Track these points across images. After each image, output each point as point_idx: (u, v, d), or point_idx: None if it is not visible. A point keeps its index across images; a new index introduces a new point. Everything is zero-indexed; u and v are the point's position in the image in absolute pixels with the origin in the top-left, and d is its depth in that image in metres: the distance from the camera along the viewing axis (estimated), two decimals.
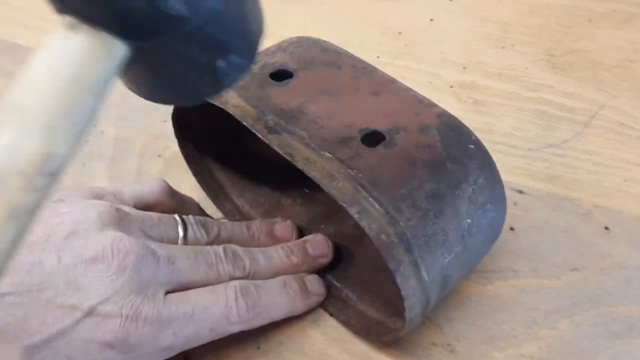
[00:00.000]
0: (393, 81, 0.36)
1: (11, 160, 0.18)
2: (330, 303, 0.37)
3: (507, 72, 0.52)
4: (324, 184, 0.30)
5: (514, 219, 0.41)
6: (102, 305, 0.29)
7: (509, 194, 0.42)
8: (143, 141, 0.48)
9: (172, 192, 0.38)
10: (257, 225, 0.39)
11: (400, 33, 0.57)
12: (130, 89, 0.25)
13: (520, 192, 0.42)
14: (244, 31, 0.24)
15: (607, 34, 0.55)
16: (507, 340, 0.35)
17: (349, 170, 0.30)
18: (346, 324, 0.36)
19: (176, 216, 0.35)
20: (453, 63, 0.53)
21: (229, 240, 0.36)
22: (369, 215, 0.29)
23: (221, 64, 0.23)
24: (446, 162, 0.31)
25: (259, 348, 0.35)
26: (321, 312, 0.37)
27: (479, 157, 0.32)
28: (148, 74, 0.23)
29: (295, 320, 0.36)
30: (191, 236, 0.35)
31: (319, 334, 0.36)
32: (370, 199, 0.29)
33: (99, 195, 0.34)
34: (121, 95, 0.55)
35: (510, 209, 0.41)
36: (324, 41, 0.39)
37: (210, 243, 0.35)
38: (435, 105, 0.34)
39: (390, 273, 0.29)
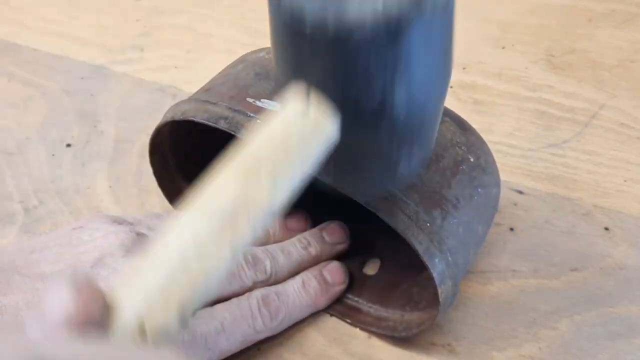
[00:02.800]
0: None
1: (245, 203, 0.21)
2: (348, 315, 0.37)
3: (507, 72, 0.52)
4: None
5: (514, 219, 0.41)
6: None
7: (509, 195, 0.42)
8: (143, 141, 0.48)
9: None
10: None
11: None
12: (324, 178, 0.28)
13: (520, 192, 0.42)
14: (429, 140, 0.28)
15: (607, 34, 0.55)
16: (507, 341, 0.35)
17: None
18: (363, 324, 0.36)
19: None
20: (453, 63, 0.53)
21: None
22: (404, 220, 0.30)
23: (403, 164, 0.27)
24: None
25: (259, 349, 0.35)
26: (321, 312, 0.37)
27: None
28: (343, 163, 0.27)
29: None
30: None
31: (319, 335, 0.36)
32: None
33: (116, 222, 0.34)
34: (121, 95, 0.55)
35: (510, 209, 0.41)
36: None
37: None
38: None
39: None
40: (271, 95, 0.34)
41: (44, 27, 0.61)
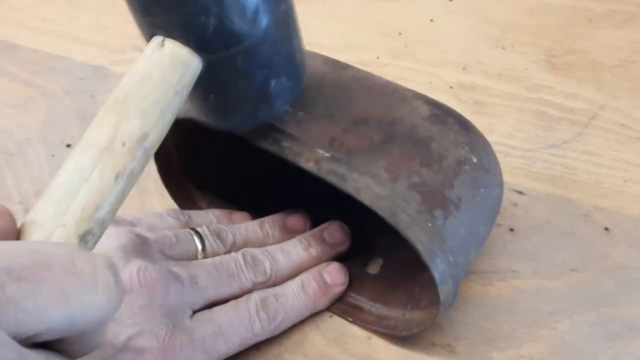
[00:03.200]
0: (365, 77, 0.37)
1: (117, 135, 0.24)
2: (350, 314, 0.37)
3: (507, 73, 0.52)
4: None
5: (513, 219, 0.41)
6: (136, 338, 0.30)
7: (509, 195, 0.42)
8: None
9: (187, 223, 0.38)
10: (270, 222, 0.39)
11: (400, 33, 0.57)
12: (199, 115, 0.31)
13: (520, 192, 0.42)
14: (291, 56, 0.30)
15: (607, 34, 0.55)
16: (507, 341, 0.35)
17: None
18: (365, 323, 0.36)
19: (191, 230, 0.36)
20: (453, 63, 0.53)
21: (245, 244, 0.37)
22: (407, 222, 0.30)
23: (273, 83, 0.29)
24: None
25: (258, 349, 0.35)
26: (321, 313, 0.37)
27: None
28: (212, 95, 0.29)
29: None
30: (209, 248, 0.36)
31: (319, 335, 0.36)
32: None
33: (116, 222, 0.34)
34: None
35: (510, 210, 0.41)
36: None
37: (227, 251, 0.36)
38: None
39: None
40: None
41: (44, 27, 0.61)
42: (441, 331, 0.35)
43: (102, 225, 0.23)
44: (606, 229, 0.40)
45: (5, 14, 0.64)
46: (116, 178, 0.23)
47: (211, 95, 0.29)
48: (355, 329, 0.36)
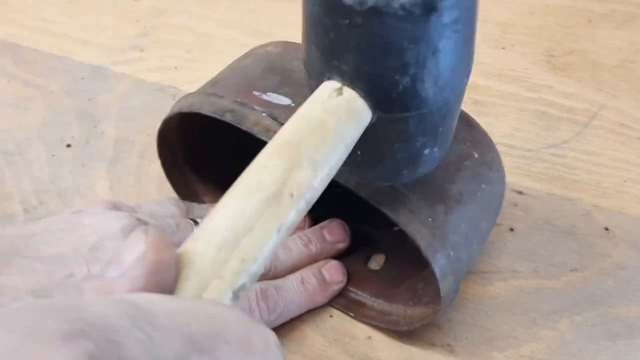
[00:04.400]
0: None
1: (286, 183, 0.22)
2: (351, 309, 0.37)
3: (507, 73, 0.52)
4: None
5: (513, 219, 0.41)
6: None
7: (509, 195, 0.42)
8: (143, 142, 0.48)
9: (187, 212, 0.38)
10: None
11: None
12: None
13: (520, 192, 0.42)
14: (451, 130, 0.29)
15: (607, 34, 0.55)
16: (507, 341, 0.35)
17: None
18: (368, 318, 0.36)
19: (191, 220, 0.36)
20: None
21: None
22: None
23: (427, 152, 0.28)
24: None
25: None
26: (321, 313, 0.37)
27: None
28: (361, 151, 0.26)
29: (295, 321, 0.36)
30: None
31: (319, 335, 0.36)
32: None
33: (117, 207, 0.34)
34: (121, 96, 0.55)
35: (510, 210, 0.41)
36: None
37: None
38: None
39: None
40: (277, 88, 0.35)
41: (44, 27, 0.61)
42: (441, 331, 0.35)
43: (253, 280, 0.21)
44: (606, 228, 0.40)
45: (5, 14, 0.64)
46: (278, 231, 0.21)
47: (359, 152, 0.26)
48: (355, 330, 0.36)
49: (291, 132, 0.23)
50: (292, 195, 0.22)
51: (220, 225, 0.21)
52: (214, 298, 0.20)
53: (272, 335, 0.19)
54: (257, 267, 0.21)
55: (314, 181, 0.23)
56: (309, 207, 0.23)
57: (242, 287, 0.21)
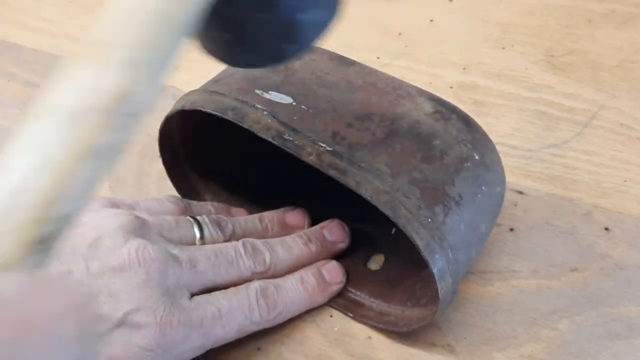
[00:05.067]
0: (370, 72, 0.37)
1: (91, 98, 0.17)
2: (350, 309, 0.37)
3: (507, 73, 0.52)
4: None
5: (513, 219, 0.41)
6: (134, 314, 0.29)
7: (509, 195, 0.42)
8: (143, 141, 0.48)
9: (186, 209, 0.38)
10: (269, 217, 0.39)
11: (400, 33, 0.57)
12: (212, 52, 0.24)
13: (520, 192, 0.42)
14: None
15: (607, 34, 0.55)
16: (507, 341, 0.35)
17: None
18: (366, 319, 0.36)
19: (190, 218, 0.36)
20: (453, 63, 0.53)
21: (244, 236, 0.37)
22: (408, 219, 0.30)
23: (301, 16, 0.23)
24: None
25: (259, 349, 0.35)
26: (322, 313, 0.37)
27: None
28: (230, 31, 0.23)
29: (296, 320, 0.36)
30: (207, 236, 0.36)
31: (319, 335, 0.36)
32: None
33: (115, 204, 0.34)
34: None
35: (510, 210, 0.41)
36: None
37: (226, 241, 0.36)
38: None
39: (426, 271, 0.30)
40: (279, 87, 0.35)
41: (44, 27, 0.61)
42: (441, 331, 0.35)
43: (68, 222, 0.17)
44: (606, 228, 0.40)
45: (5, 14, 0.64)
46: (86, 158, 0.17)
47: (218, 32, 0.23)
48: (355, 330, 0.36)
49: (96, 29, 0.18)
50: (100, 111, 0.17)
51: (12, 161, 0.16)
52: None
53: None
54: (67, 208, 0.17)
55: (132, 86, 0.18)
56: (134, 123, 0.18)
57: (45, 240, 0.16)
